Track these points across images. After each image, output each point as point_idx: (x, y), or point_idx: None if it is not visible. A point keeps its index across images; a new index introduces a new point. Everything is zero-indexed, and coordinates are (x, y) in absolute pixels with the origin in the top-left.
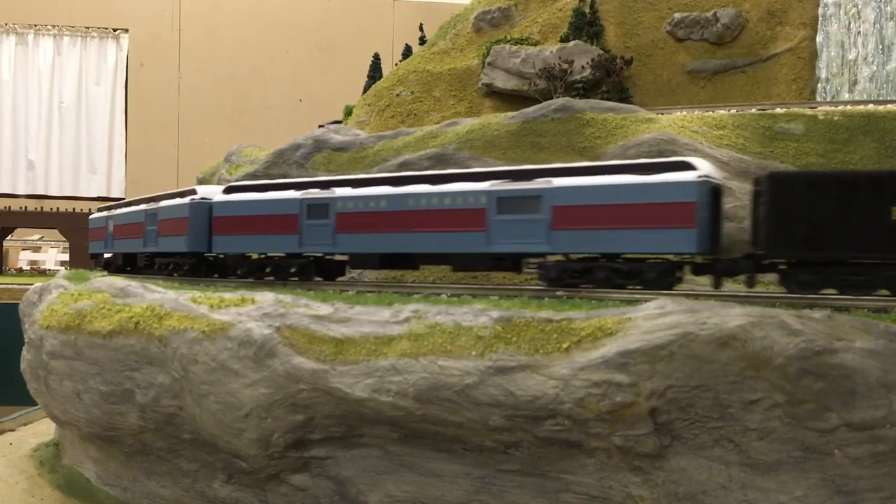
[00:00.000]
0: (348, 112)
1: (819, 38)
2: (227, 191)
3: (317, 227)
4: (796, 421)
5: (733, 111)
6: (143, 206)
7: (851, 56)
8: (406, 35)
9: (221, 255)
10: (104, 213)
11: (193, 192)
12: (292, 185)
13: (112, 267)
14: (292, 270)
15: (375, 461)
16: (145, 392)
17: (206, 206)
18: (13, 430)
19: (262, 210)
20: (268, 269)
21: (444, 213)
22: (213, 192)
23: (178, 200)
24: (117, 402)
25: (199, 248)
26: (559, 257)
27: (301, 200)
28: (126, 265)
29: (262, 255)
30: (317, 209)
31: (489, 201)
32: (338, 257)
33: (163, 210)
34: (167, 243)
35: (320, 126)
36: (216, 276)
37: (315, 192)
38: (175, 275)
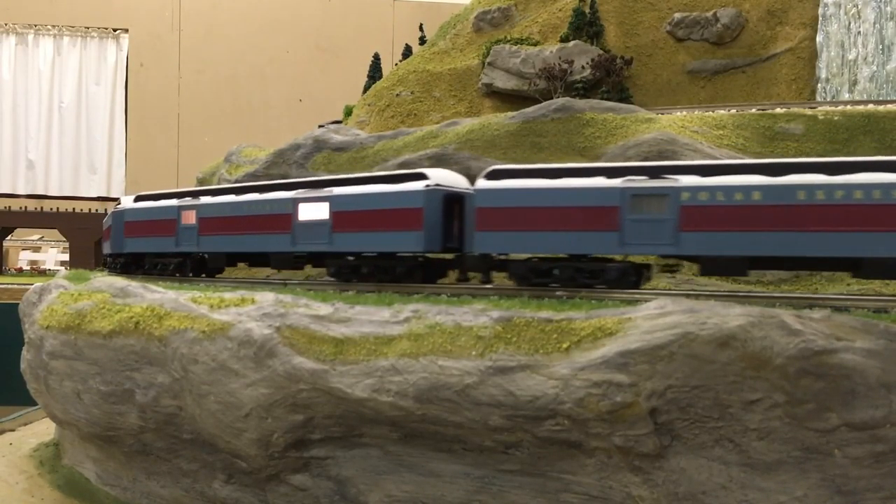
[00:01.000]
0: (348, 112)
1: (819, 38)
2: (493, 176)
3: (648, 222)
4: (796, 421)
5: (733, 111)
6: (288, 194)
7: (851, 56)
8: (406, 35)
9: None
10: (173, 202)
11: (421, 175)
12: (599, 171)
13: (187, 269)
14: (609, 277)
15: (375, 461)
16: (145, 392)
17: (443, 193)
18: (13, 430)
19: (556, 201)
20: (555, 272)
21: (855, 209)
22: (451, 178)
23: (389, 186)
24: (117, 402)
25: (434, 245)
26: None
27: (622, 190)
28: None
29: (536, 256)
30: (647, 201)
31: None
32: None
33: (351, 199)
34: (362, 241)
35: (320, 126)
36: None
37: (643, 181)
38: (353, 281)
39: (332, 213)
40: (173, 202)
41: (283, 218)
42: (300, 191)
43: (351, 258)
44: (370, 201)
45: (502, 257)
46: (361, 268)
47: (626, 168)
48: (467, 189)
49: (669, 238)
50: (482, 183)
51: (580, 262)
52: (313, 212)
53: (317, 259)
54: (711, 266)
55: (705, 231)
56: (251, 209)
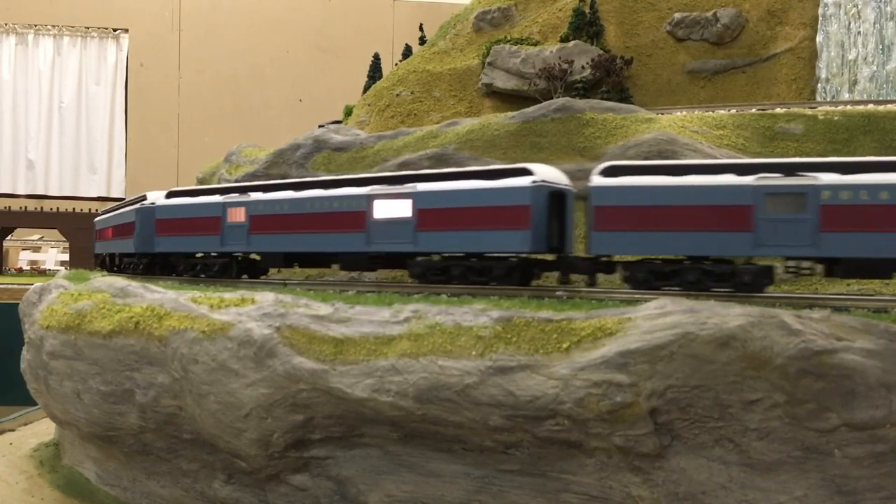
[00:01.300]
0: (348, 112)
1: (819, 38)
2: (610, 173)
3: (784, 222)
4: (796, 421)
5: (733, 111)
6: (361, 190)
7: (851, 56)
8: (406, 35)
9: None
10: (217, 198)
11: (525, 171)
12: (725, 168)
13: (232, 270)
14: (743, 280)
15: (375, 461)
16: (145, 392)
17: (549, 190)
18: (13, 430)
19: (684, 199)
20: (690, 278)
21: None
22: (553, 174)
23: (488, 182)
24: (117, 402)
25: (540, 246)
26: None
27: (756, 188)
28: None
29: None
30: (784, 199)
31: None
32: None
33: (441, 195)
34: (453, 240)
35: (320, 126)
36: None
37: (778, 178)
38: (438, 283)
39: (417, 210)
40: (217, 198)
41: (355, 216)
42: (375, 187)
43: (437, 258)
44: (464, 198)
45: (604, 259)
46: (451, 269)
47: (755, 165)
48: (568, 186)
49: (809, 239)
50: (599, 180)
51: (703, 263)
52: (393, 209)
53: (395, 260)
54: (854, 268)
55: (849, 232)
56: (315, 206)
